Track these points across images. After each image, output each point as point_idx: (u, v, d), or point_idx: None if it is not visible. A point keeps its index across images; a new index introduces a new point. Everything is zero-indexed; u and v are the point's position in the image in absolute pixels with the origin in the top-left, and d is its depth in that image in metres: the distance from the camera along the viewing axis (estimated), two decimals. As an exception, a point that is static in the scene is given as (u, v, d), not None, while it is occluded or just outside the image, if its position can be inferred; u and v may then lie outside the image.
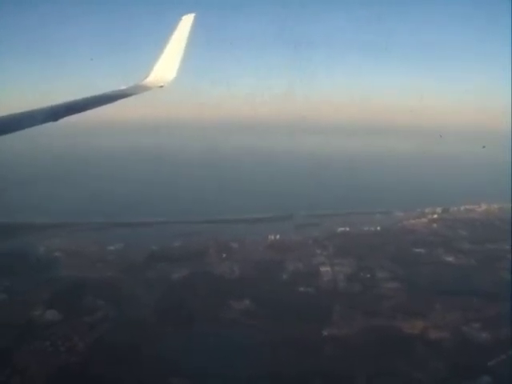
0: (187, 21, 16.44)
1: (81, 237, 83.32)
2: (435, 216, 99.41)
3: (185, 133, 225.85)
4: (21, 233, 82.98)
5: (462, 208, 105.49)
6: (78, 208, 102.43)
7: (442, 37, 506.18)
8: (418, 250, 77.46)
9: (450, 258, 74.76)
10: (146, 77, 16.56)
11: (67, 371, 44.66)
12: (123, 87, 15.86)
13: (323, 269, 68.86)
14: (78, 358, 46.86)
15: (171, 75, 16.48)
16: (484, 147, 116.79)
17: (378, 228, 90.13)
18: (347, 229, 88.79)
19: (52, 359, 46.09)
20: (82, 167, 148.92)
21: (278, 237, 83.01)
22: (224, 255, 73.80)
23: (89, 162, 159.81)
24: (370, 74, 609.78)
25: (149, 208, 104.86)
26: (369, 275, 67.10)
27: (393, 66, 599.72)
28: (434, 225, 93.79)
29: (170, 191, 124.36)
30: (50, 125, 12.07)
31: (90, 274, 66.14)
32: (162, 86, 16.37)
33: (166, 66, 16.43)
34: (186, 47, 16.35)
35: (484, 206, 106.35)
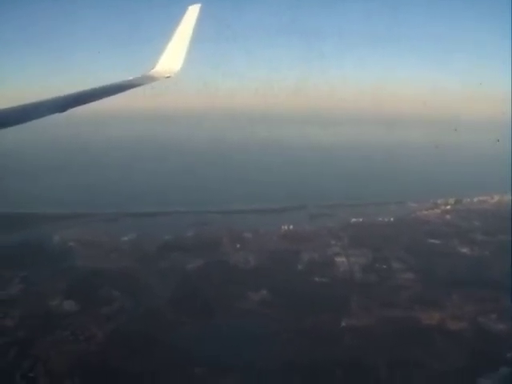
0: (193, 11, 16.32)
1: (93, 227, 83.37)
2: (448, 207, 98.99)
3: (192, 123, 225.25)
4: (33, 223, 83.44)
5: (475, 199, 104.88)
6: (88, 198, 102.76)
7: (455, 27, 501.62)
8: (432, 241, 77.20)
9: (464, 249, 74.38)
10: (153, 67, 16.44)
11: (88, 361, 44.99)
12: (130, 78, 15.70)
13: (338, 259, 68.75)
14: (97, 348, 47.20)
15: (177, 66, 16.34)
16: (498, 141, 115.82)
17: (392, 219, 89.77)
18: (360, 219, 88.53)
19: (73, 349, 46.42)
20: (90, 157, 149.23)
21: (291, 227, 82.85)
22: (238, 245, 73.75)
23: (98, 152, 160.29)
24: (382, 66, 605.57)
25: (160, 198, 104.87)
26: (384, 266, 66.90)
27: (405, 57, 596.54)
28: (448, 216, 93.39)
29: (179, 181, 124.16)
30: (57, 115, 12.02)
31: (105, 265, 66.40)
32: (168, 77, 16.19)
33: (173, 57, 16.31)
34: (193, 37, 16.20)
35: (496, 198, 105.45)
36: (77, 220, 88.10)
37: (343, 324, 52.09)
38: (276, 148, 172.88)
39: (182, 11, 16.56)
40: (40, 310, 53.31)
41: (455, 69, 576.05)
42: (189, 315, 53.16)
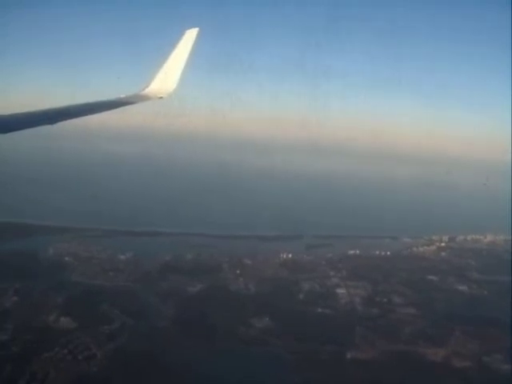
0: (191, 35, 16.35)
1: (90, 243, 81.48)
2: (443, 244, 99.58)
3: (190, 145, 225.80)
4: (28, 234, 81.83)
5: (469, 237, 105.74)
6: (85, 213, 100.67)
7: (455, 72, 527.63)
8: (430, 277, 77.16)
9: (462, 287, 74.56)
10: (146, 87, 16.47)
11: (88, 381, 43.29)
12: (122, 96, 15.73)
13: (339, 291, 68.45)
14: (97, 368, 45.43)
15: (171, 87, 16.43)
16: (485, 184, 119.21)
17: (388, 253, 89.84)
18: (357, 252, 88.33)
19: (72, 368, 44.62)
20: (78, 172, 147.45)
21: (290, 255, 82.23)
22: (238, 271, 72.89)
23: (94, 166, 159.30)
24: (383, 104, 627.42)
25: (158, 218, 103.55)
26: (385, 299, 66.64)
27: (405, 98, 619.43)
28: (443, 253, 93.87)
29: (174, 203, 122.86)
30: (46, 127, 11.89)
31: (102, 282, 65.38)
32: (161, 97, 16.30)
33: (167, 78, 16.38)
34: (188, 61, 16.24)
35: (489, 237, 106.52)
36: (73, 234, 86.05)
37: (348, 356, 51.30)
38: (275, 176, 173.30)
39: (181, 34, 16.60)
40: (36, 325, 51.52)
41: (454, 110, 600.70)
42: (191, 339, 51.71)
